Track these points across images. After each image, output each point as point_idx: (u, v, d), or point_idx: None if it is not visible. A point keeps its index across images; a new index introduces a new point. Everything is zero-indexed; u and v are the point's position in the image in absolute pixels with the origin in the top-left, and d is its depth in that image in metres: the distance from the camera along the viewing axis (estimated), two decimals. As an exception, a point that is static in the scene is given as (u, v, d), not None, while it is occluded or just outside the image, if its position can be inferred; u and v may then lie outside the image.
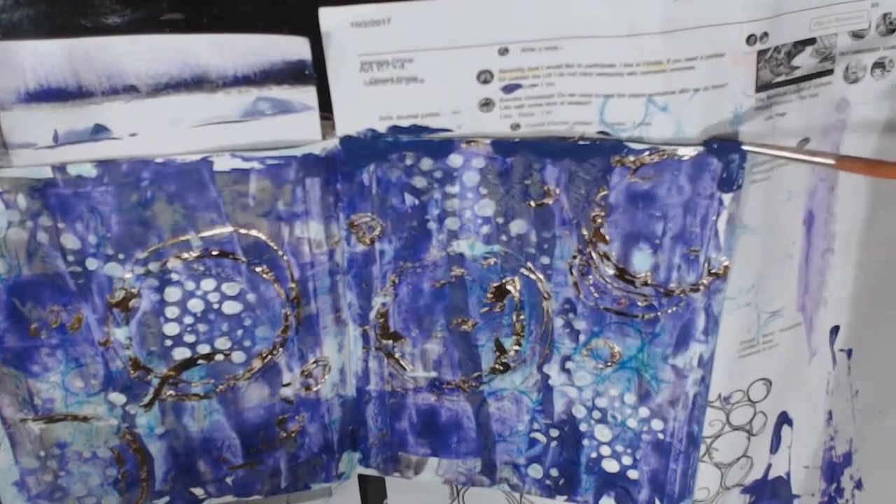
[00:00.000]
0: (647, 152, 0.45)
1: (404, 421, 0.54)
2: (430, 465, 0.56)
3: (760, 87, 0.44)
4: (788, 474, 0.56)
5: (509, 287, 0.50)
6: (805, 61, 0.45)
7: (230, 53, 0.42)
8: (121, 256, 0.46)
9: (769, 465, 0.55)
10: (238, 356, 0.49)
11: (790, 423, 0.55)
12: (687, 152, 0.45)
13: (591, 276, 0.49)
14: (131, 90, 0.42)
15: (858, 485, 0.57)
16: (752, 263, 0.48)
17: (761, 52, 0.43)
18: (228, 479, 0.53)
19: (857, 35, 0.45)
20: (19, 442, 0.49)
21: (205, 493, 0.54)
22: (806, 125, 0.46)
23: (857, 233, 0.51)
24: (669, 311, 0.49)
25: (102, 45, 0.41)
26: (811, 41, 0.44)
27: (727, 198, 0.46)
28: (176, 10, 0.41)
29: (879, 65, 0.46)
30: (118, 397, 0.49)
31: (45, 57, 0.41)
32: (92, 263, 0.46)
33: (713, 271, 0.47)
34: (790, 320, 0.51)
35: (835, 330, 0.53)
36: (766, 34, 0.43)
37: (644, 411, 0.52)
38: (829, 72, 0.46)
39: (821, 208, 0.49)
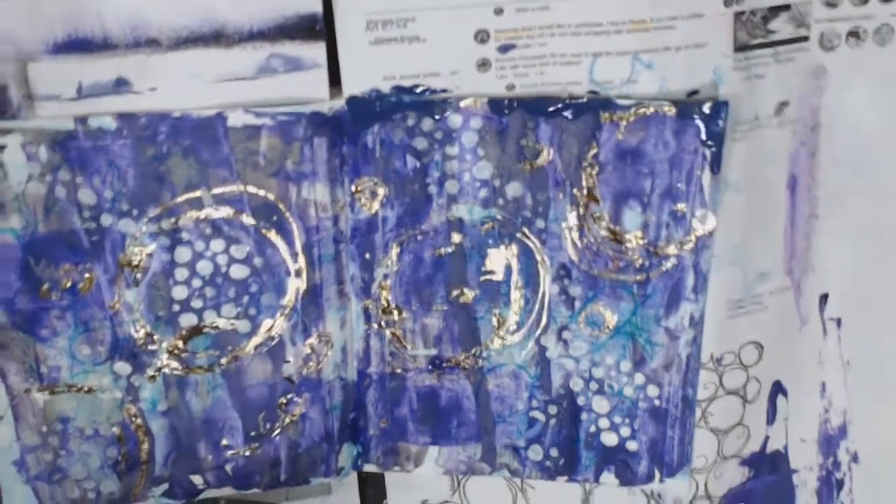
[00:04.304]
0: (634, 108, 0.48)
1: (404, 407, 0.55)
2: (430, 456, 0.56)
3: (738, 48, 0.48)
4: (786, 448, 0.57)
5: (507, 254, 0.52)
6: (781, 26, 0.49)
7: (247, 7, 0.45)
8: (135, 212, 0.47)
9: (767, 438, 0.56)
10: (243, 325, 0.50)
11: (785, 393, 0.56)
12: (671, 108, 0.48)
13: (584, 239, 0.51)
14: (153, 43, 0.45)
15: (855, 458, 0.58)
16: (736, 221, 0.51)
17: (738, 14, 0.48)
18: (228, 467, 0.53)
19: (830, 4, 0.49)
20: (22, 415, 0.49)
21: (204, 482, 0.53)
22: (784, 89, 0.50)
23: (840, 200, 0.53)
24: (660, 270, 0.51)
25: (127, -2, 0.44)
26: (786, 7, 0.49)
27: (710, 152, 0.49)
28: None
29: (854, 34, 0.50)
30: (123, 367, 0.50)
31: (75, 8, 0.43)
32: (106, 219, 0.47)
33: (699, 228, 0.50)
34: (778, 283, 0.54)
35: (824, 298, 0.55)
36: None
37: (640, 378, 0.53)
38: (805, 38, 0.50)
39: (803, 173, 0.52)
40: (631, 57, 0.48)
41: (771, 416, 0.56)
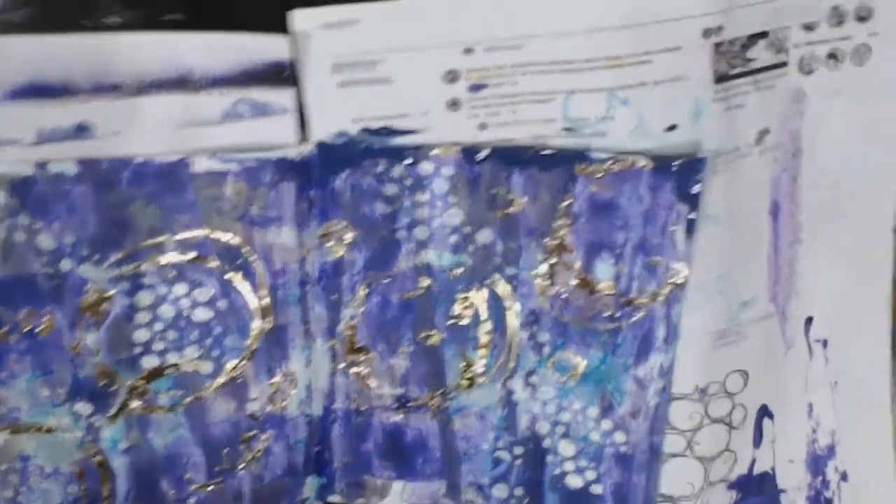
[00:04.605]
0: (610, 161, 0.48)
1: (370, 442, 0.55)
2: (394, 490, 0.56)
3: (718, 79, 0.47)
4: (773, 469, 0.57)
5: (475, 299, 0.51)
6: (760, 54, 0.48)
7: (214, 52, 0.44)
8: (96, 258, 0.46)
9: (753, 460, 0.56)
10: (206, 366, 0.50)
11: (771, 416, 0.56)
12: (647, 163, 0.47)
13: (555, 287, 0.50)
14: (116, 89, 0.43)
15: (844, 476, 0.58)
16: (718, 253, 0.50)
17: (717, 45, 0.46)
18: (191, 502, 0.53)
19: (808, 27, 0.48)
20: (-20, 454, 0.48)
21: (167, 517, 0.53)
22: (764, 116, 0.49)
23: (823, 223, 0.53)
24: (631, 320, 0.51)
25: (90, 43, 0.42)
26: (764, 34, 0.48)
27: (686, 209, 0.48)
28: (176, 10, 0.43)
29: (832, 56, 0.49)
30: (84, 407, 0.49)
31: (35, 53, 0.42)
32: (66, 264, 0.46)
33: (672, 280, 0.49)
34: (762, 311, 0.53)
35: (809, 321, 0.55)
36: (721, 27, 0.46)
37: (607, 424, 0.53)
38: (784, 63, 0.49)
39: (785, 198, 0.51)
40: (606, 93, 0.47)
41: (757, 440, 0.56)
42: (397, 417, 0.54)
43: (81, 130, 0.44)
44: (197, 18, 0.44)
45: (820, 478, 0.58)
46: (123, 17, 0.43)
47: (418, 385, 0.53)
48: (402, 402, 0.53)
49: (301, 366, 0.52)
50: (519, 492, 0.55)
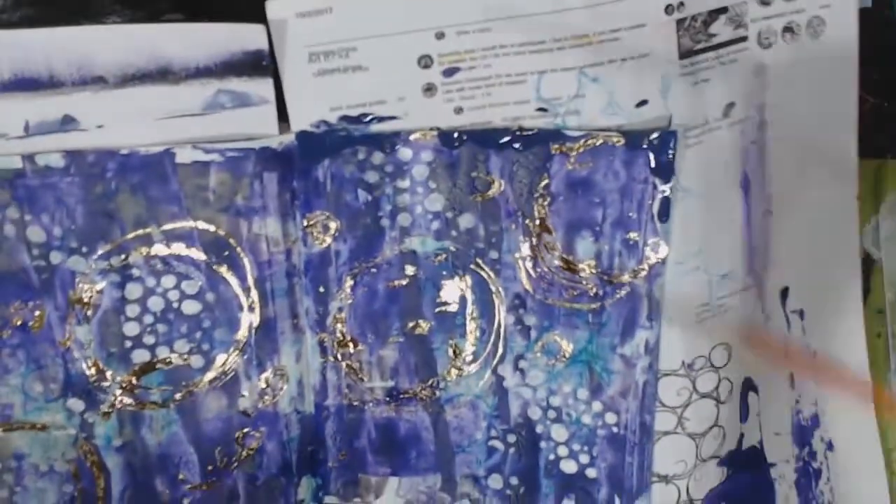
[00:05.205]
0: (583, 139, 0.49)
1: (363, 438, 0.55)
2: (390, 486, 0.56)
3: (683, 55, 0.48)
4: (761, 442, 0.57)
5: (460, 285, 0.52)
6: (721, 29, 0.49)
7: (193, 44, 0.45)
8: (84, 250, 0.47)
9: (742, 435, 0.56)
10: (196, 360, 0.50)
11: (755, 389, 0.56)
12: (619, 139, 0.48)
13: (538, 269, 0.51)
14: (100, 81, 0.45)
15: (829, 446, 0.58)
16: (695, 226, 0.51)
17: (680, 21, 0.48)
18: (186, 502, 0.53)
19: (764, 2, 0.50)
20: (-24, 453, 0.49)
21: (162, 518, 0.53)
22: (729, 90, 0.50)
23: (791, 194, 0.54)
24: (615, 298, 0.51)
25: (74, 35, 0.44)
26: (724, 9, 0.49)
27: (660, 181, 0.49)
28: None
29: (788, 29, 0.51)
30: (77, 403, 0.49)
31: (21, 47, 0.44)
32: (56, 257, 0.47)
33: (652, 256, 0.50)
34: (741, 283, 0.54)
35: (784, 291, 0.55)
36: (682, 4, 0.47)
37: (597, 405, 0.53)
38: (744, 38, 0.50)
39: (755, 171, 0.52)
40: (577, 72, 0.48)
41: (744, 414, 0.56)
42: (389, 411, 0.54)
43: (67, 122, 0.45)
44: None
45: (807, 449, 0.58)
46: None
47: (408, 376, 0.53)
48: (393, 395, 0.54)
49: (291, 360, 0.52)
50: (514, 481, 0.55)
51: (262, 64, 0.46)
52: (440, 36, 0.47)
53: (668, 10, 0.47)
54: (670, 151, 0.49)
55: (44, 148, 0.45)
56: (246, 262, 0.49)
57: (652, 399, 0.53)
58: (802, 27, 0.51)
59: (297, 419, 0.53)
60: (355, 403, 0.54)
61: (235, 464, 0.53)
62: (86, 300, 0.48)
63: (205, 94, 0.46)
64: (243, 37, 0.45)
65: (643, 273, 0.51)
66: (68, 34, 0.44)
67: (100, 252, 0.47)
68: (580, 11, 0.47)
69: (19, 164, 0.45)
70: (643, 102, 0.49)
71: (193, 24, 0.45)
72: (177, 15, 0.46)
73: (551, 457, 0.55)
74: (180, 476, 0.52)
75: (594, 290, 0.51)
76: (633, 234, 0.50)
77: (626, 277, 0.51)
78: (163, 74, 0.45)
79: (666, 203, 0.50)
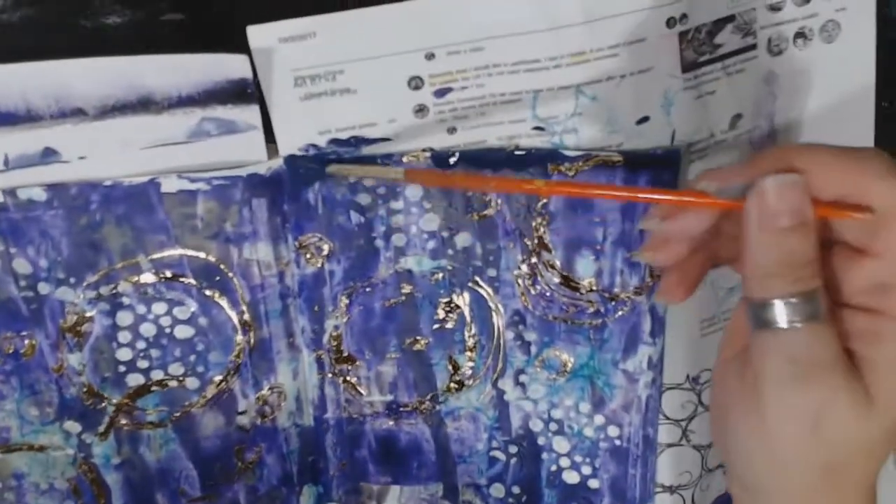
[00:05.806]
0: (581, 159, 0.47)
1: (363, 449, 0.55)
2: (392, 494, 0.56)
3: (686, 68, 0.46)
4: None
5: (458, 302, 0.51)
6: (727, 38, 0.47)
7: (173, 74, 0.43)
8: (72, 280, 0.46)
9: None
10: (192, 382, 0.50)
11: None
12: (619, 159, 0.46)
13: (537, 286, 0.50)
14: (79, 113, 0.43)
15: None
16: None
17: (683, 34, 0.45)
18: (188, 515, 0.53)
19: (774, 8, 0.47)
20: (-24, 474, 0.49)
21: (164, 530, 0.53)
22: (736, 101, 0.48)
23: None
24: (616, 315, 0.50)
25: (50, 69, 0.42)
26: (730, 18, 0.47)
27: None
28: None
29: (801, 35, 0.48)
30: (73, 426, 0.49)
31: (-6, 82, 0.42)
32: (44, 288, 0.46)
33: (655, 273, 0.49)
34: None
35: None
36: (685, 15, 0.45)
37: (599, 419, 0.52)
38: (753, 46, 0.48)
39: None
40: (574, 90, 0.46)
41: None
42: (389, 424, 0.54)
43: (48, 155, 0.44)
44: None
45: None
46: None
47: (407, 391, 0.53)
48: (392, 409, 0.53)
49: (289, 378, 0.52)
50: (516, 490, 0.55)
51: (247, 92, 0.44)
52: (430, 56, 0.45)
53: (670, 22, 0.45)
54: (673, 169, 0.47)
55: (25, 181, 0.44)
56: (238, 286, 0.49)
57: (655, 413, 0.52)
58: (816, 32, 0.48)
59: (296, 432, 0.53)
60: (355, 416, 0.54)
61: (236, 477, 0.53)
62: (76, 329, 0.47)
63: (189, 122, 0.45)
64: (226, 66, 0.44)
65: (646, 290, 0.49)
66: (42, 68, 0.42)
67: (88, 282, 0.47)
68: (577, 28, 0.44)
69: (0, 199, 0.44)
70: (644, 119, 0.47)
71: (172, 55, 0.43)
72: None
73: (553, 467, 0.54)
74: (180, 489, 0.52)
75: (595, 307, 0.50)
76: (635, 253, 0.48)
77: (627, 295, 0.50)
78: (144, 105, 0.44)
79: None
